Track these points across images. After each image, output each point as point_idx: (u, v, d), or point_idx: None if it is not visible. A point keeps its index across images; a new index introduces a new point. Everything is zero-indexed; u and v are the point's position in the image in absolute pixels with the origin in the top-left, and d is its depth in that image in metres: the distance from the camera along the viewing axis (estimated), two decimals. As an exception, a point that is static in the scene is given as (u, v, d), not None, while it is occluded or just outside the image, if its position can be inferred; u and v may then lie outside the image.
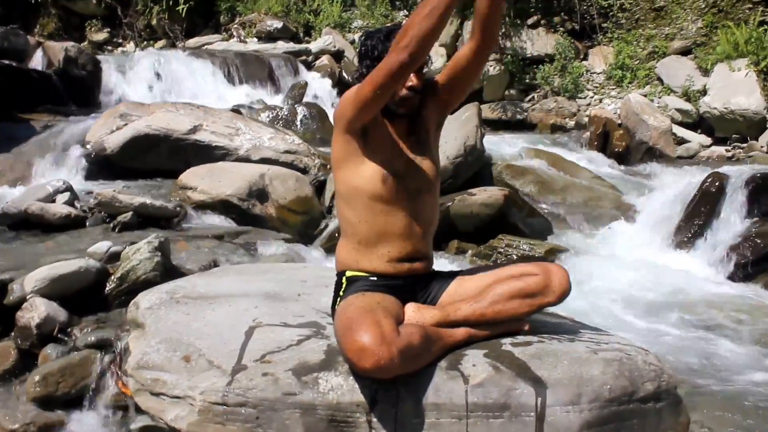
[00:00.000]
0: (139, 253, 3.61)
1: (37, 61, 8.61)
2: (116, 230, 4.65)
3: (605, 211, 6.65)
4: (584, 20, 11.01)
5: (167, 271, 3.63)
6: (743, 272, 5.43)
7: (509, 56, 10.58)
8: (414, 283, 2.50)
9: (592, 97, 10.42)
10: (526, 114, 10.39)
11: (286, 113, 8.07)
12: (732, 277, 5.43)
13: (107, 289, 3.56)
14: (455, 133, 6.61)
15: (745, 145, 8.79)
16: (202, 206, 5.41)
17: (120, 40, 13.75)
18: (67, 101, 7.98)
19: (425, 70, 2.48)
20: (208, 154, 6.32)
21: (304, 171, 6.37)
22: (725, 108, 8.81)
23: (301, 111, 8.12)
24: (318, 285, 2.98)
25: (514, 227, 5.87)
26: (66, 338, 3.28)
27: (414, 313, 2.39)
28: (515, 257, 5.43)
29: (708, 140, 9.09)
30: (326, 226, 5.70)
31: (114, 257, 3.79)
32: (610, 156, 8.65)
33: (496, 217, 5.83)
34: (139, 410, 2.42)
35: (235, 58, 9.81)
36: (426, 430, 2.17)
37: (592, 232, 6.36)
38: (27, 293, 3.37)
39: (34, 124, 6.85)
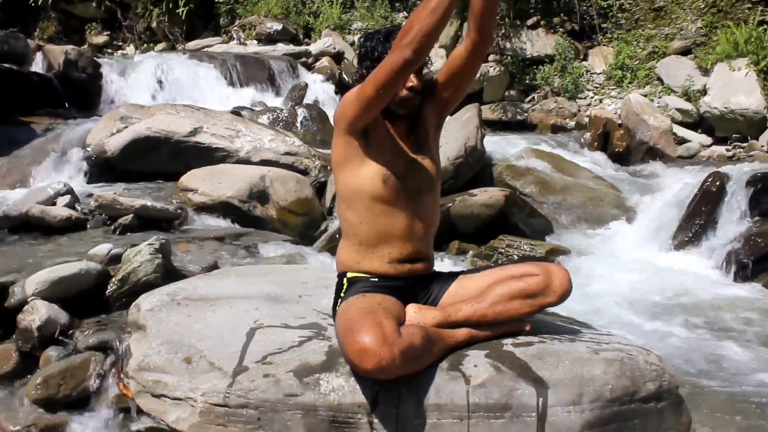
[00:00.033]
0: (140, 255, 3.61)
1: (37, 65, 8.62)
2: (117, 232, 4.65)
3: (606, 211, 6.64)
4: (584, 21, 11.01)
5: (168, 273, 3.62)
6: (744, 272, 5.43)
7: (509, 57, 10.59)
8: (415, 284, 2.50)
9: (592, 98, 10.42)
10: (526, 115, 10.38)
11: (286, 115, 8.06)
12: (733, 277, 5.42)
13: (108, 291, 3.55)
14: (456, 134, 6.61)
15: (745, 144, 8.79)
16: (202, 208, 5.42)
17: (120, 43, 13.76)
18: (67, 104, 7.98)
19: (425, 71, 2.48)
20: (208, 156, 6.33)
21: (305, 172, 6.38)
22: (725, 107, 8.81)
23: (301, 113, 8.12)
24: (319, 286, 2.98)
25: (514, 228, 5.87)
26: (67, 340, 3.28)
27: (415, 313, 2.39)
28: (516, 258, 5.43)
29: (708, 140, 9.09)
30: (327, 227, 5.71)
31: (115, 259, 3.79)
32: (611, 156, 8.64)
33: (497, 217, 5.83)
34: (140, 412, 2.42)
35: (235, 60, 9.81)
36: (427, 431, 2.17)
37: (592, 233, 6.36)
38: (28, 296, 3.37)
39: (35, 127, 6.85)
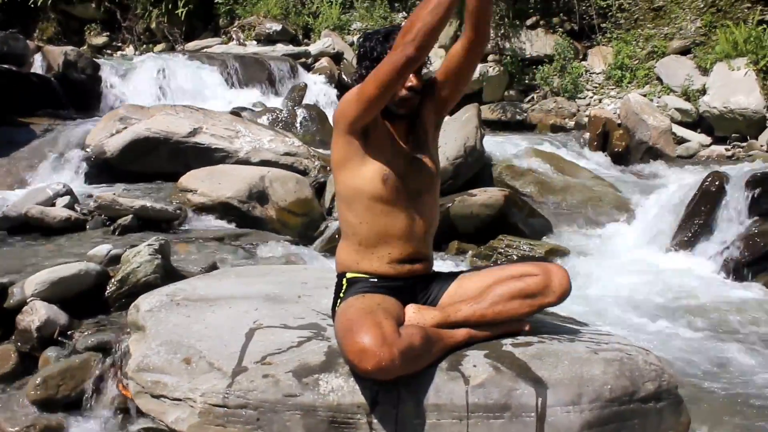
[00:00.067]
0: (140, 255, 3.61)
1: (36, 66, 8.60)
2: (116, 233, 4.65)
3: (605, 211, 6.65)
4: (583, 21, 11.02)
5: (167, 273, 3.62)
6: (743, 272, 5.43)
7: (508, 57, 10.59)
8: (414, 285, 2.50)
9: (591, 98, 10.43)
10: (525, 114, 10.39)
11: (285, 115, 8.06)
12: (732, 277, 5.42)
13: (107, 292, 3.55)
14: (455, 134, 6.62)
15: (744, 144, 8.80)
16: (202, 209, 5.42)
17: (119, 44, 13.77)
18: (66, 105, 7.98)
19: (424, 70, 2.48)
20: (207, 156, 6.33)
21: (304, 173, 6.38)
22: (725, 107, 8.81)
23: (300, 113, 8.11)
24: (318, 287, 2.98)
25: (514, 228, 5.87)
26: (66, 341, 3.28)
27: (414, 314, 2.39)
28: (515, 258, 5.42)
29: (708, 139, 9.10)
30: (326, 227, 5.70)
31: (114, 260, 3.79)
32: (610, 156, 8.65)
33: (497, 217, 5.83)
34: (139, 413, 2.42)
35: (235, 61, 9.82)
36: (427, 431, 2.17)
37: (592, 232, 6.36)
38: (27, 296, 3.37)
39: (34, 128, 6.86)
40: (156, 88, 8.98)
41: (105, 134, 6.42)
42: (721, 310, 4.75)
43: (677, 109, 9.37)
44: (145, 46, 13.35)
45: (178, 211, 5.06)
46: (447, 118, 6.94)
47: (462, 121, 6.82)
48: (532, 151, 7.71)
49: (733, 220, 5.76)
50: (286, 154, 6.55)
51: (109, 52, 13.40)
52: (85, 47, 12.96)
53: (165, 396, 2.30)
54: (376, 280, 2.44)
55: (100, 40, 13.72)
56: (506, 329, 2.45)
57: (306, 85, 9.44)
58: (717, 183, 5.87)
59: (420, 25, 2.16)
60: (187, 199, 5.48)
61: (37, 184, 5.85)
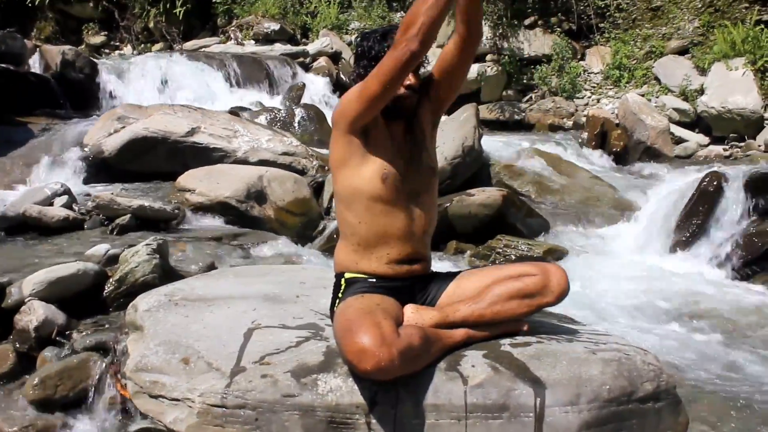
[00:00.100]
0: (138, 255, 3.61)
1: (34, 65, 8.59)
2: (114, 233, 4.65)
3: (603, 210, 6.66)
4: (581, 20, 11.02)
5: (166, 273, 3.63)
6: (741, 271, 5.44)
7: (506, 57, 10.60)
8: (413, 285, 2.49)
9: (589, 97, 10.43)
10: (523, 114, 10.39)
11: (283, 115, 8.06)
12: (730, 277, 5.43)
13: (105, 291, 3.55)
14: (453, 134, 6.62)
15: (742, 144, 8.80)
16: (200, 208, 5.41)
17: (117, 43, 13.75)
18: (64, 104, 7.97)
19: (421, 70, 2.48)
20: (206, 156, 6.32)
21: (303, 172, 6.38)
22: (722, 107, 8.82)
23: (298, 113, 8.12)
24: (316, 286, 2.98)
25: (512, 228, 5.87)
26: (64, 341, 3.28)
27: (413, 314, 2.39)
28: (514, 258, 5.43)
29: (706, 139, 9.11)
30: (324, 227, 5.70)
31: (112, 260, 3.79)
32: (608, 156, 8.66)
33: (495, 217, 5.83)
34: (138, 413, 2.42)
35: (233, 60, 9.81)
36: (425, 431, 2.17)
37: (590, 232, 6.36)
38: (25, 296, 3.37)
39: (32, 127, 6.85)
40: (156, 88, 8.97)
41: (103, 134, 6.41)
42: (719, 309, 4.76)
43: (675, 109, 9.38)
44: (143, 45, 13.34)
45: (177, 211, 5.05)
46: (445, 117, 6.94)
47: (460, 121, 6.82)
48: (531, 151, 7.71)
49: (731, 220, 5.76)
50: (285, 153, 6.54)
51: (107, 51, 13.39)
52: (82, 47, 12.95)
53: (163, 396, 2.30)
54: (374, 280, 2.44)
55: (98, 39, 13.71)
56: (505, 329, 2.45)
57: (304, 85, 9.44)
58: (715, 183, 5.88)
59: (422, 20, 2.16)
60: (185, 199, 5.48)
61: (35, 184, 5.85)
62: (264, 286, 2.99)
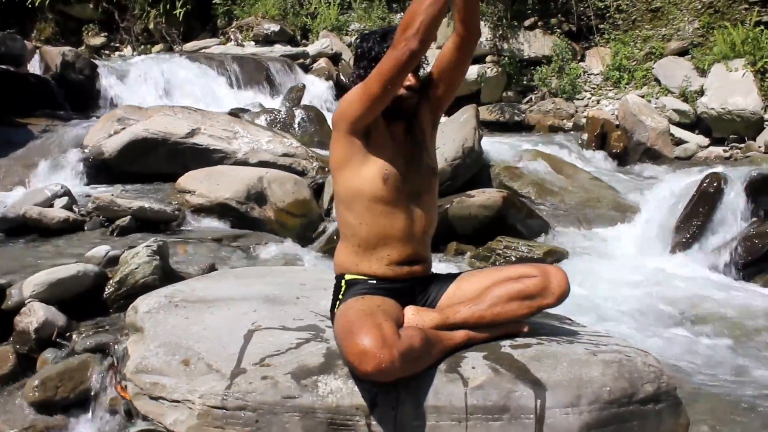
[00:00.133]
0: (138, 257, 3.61)
1: (34, 66, 8.59)
2: (114, 234, 4.64)
3: (603, 212, 6.66)
4: (581, 22, 11.03)
5: (166, 274, 3.62)
6: (741, 272, 5.44)
7: (506, 58, 10.60)
8: (413, 286, 2.49)
9: (589, 98, 10.44)
10: (523, 115, 10.40)
11: (283, 116, 8.06)
12: (730, 278, 5.43)
13: (106, 293, 3.55)
14: (453, 135, 6.62)
15: (742, 145, 8.80)
16: (200, 210, 5.41)
17: (117, 45, 13.75)
18: (64, 106, 7.97)
19: (421, 71, 2.48)
20: (206, 157, 6.32)
21: (303, 174, 6.38)
22: (722, 108, 8.82)
23: (298, 114, 8.11)
24: (317, 288, 2.98)
25: (512, 229, 5.87)
26: (65, 342, 3.27)
27: (413, 316, 2.39)
28: (514, 259, 5.43)
29: (705, 141, 9.10)
30: (325, 228, 5.70)
31: (112, 261, 3.78)
32: (608, 157, 8.66)
33: (495, 218, 5.83)
34: (138, 414, 2.42)
35: (233, 61, 9.81)
36: (426, 433, 2.17)
37: (590, 233, 6.36)
38: (25, 298, 3.36)
39: (32, 128, 6.84)
40: (155, 88, 8.96)
41: (103, 135, 6.41)
42: (720, 311, 4.76)
43: (675, 110, 9.37)
44: (143, 46, 13.34)
45: (177, 212, 5.05)
46: (445, 119, 6.95)
47: (460, 122, 6.82)
48: (531, 152, 7.71)
49: (731, 220, 5.77)
50: (285, 155, 6.54)
51: (106, 52, 13.39)
52: (82, 48, 12.95)
53: (163, 397, 2.30)
54: (375, 281, 2.44)
55: (98, 40, 13.70)
56: (505, 331, 2.45)
57: (304, 86, 9.44)
58: (715, 184, 5.88)
59: (421, 19, 2.17)
60: (185, 200, 5.48)
61: (35, 185, 5.84)
62: (264, 288, 2.99)
